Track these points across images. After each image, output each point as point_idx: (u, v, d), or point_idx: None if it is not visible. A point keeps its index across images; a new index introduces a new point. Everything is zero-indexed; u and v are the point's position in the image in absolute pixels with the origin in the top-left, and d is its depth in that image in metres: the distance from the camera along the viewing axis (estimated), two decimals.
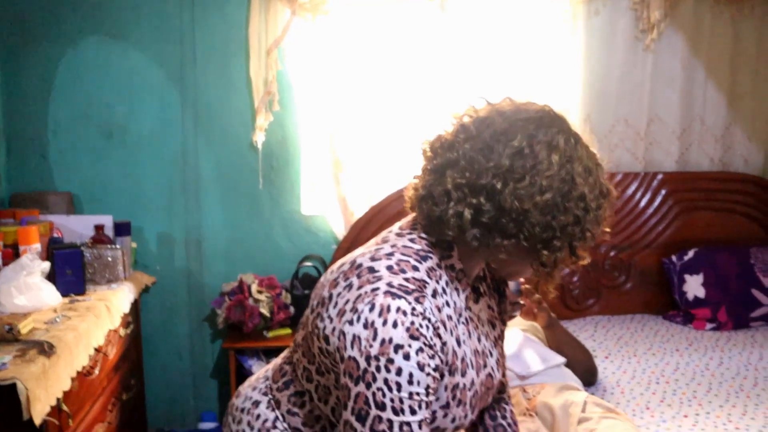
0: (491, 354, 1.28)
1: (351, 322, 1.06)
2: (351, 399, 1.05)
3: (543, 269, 1.13)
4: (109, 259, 2.39)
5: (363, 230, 2.73)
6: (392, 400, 1.03)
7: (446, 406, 1.15)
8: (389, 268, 1.11)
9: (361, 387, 1.04)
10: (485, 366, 1.25)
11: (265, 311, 2.61)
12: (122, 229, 2.54)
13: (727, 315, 2.82)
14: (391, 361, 1.02)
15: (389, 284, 1.07)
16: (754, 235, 3.05)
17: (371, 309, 1.05)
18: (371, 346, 1.03)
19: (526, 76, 2.85)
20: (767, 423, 2.01)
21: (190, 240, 2.82)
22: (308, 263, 2.77)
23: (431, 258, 1.15)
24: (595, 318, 2.94)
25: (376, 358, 1.03)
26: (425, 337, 1.05)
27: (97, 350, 2.04)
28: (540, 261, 1.12)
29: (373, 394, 1.03)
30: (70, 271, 2.20)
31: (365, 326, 1.04)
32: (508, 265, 1.18)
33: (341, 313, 1.09)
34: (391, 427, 1.03)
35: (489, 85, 2.78)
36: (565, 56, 2.86)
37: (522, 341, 2.17)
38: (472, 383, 1.20)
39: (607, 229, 1.15)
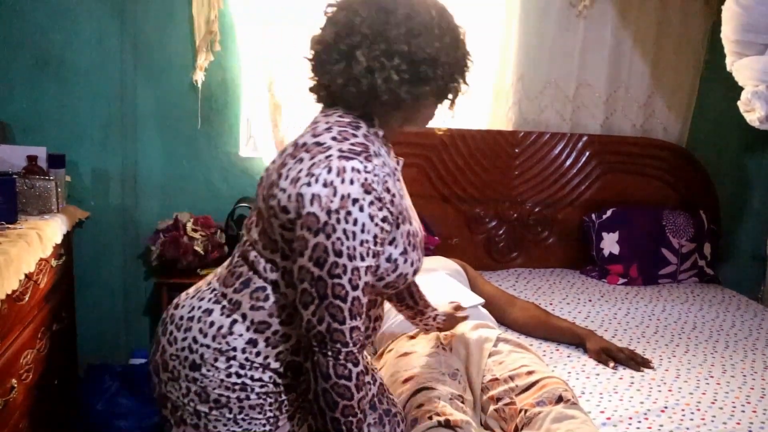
0: (414, 209, 1.45)
1: (308, 184, 1.20)
2: (309, 248, 1.19)
3: (439, 100, 1.36)
4: (42, 190, 2.37)
5: None
6: (348, 248, 1.18)
7: (405, 252, 1.32)
8: (333, 138, 1.25)
9: (321, 237, 1.18)
10: (416, 219, 1.42)
11: (199, 249, 2.65)
12: (56, 161, 2.51)
13: (638, 271, 3.01)
14: (349, 213, 1.18)
15: (340, 150, 1.22)
16: (668, 198, 3.23)
17: (329, 171, 1.19)
18: (332, 201, 1.17)
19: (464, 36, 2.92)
20: (661, 362, 2.20)
21: (125, 177, 2.80)
22: (244, 204, 2.79)
23: (362, 127, 1.30)
24: (517, 270, 3.08)
25: (336, 212, 1.17)
26: (376, 191, 1.20)
27: (28, 277, 2.05)
28: (443, 93, 1.34)
29: (333, 243, 1.18)
30: (1, 199, 2.19)
31: (324, 185, 1.18)
32: (418, 118, 1.38)
33: (295, 180, 1.22)
34: (345, 272, 1.19)
35: None
36: (502, 19, 2.95)
37: (445, 284, 2.29)
38: (417, 231, 1.38)
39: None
